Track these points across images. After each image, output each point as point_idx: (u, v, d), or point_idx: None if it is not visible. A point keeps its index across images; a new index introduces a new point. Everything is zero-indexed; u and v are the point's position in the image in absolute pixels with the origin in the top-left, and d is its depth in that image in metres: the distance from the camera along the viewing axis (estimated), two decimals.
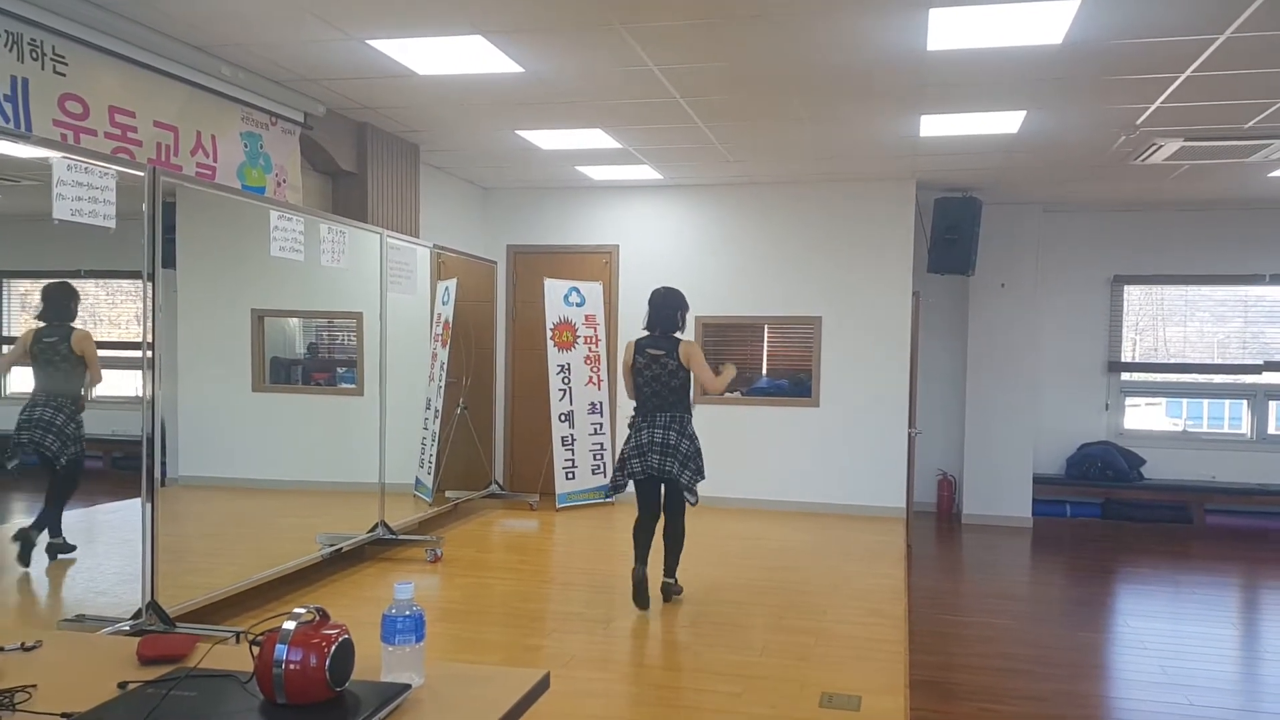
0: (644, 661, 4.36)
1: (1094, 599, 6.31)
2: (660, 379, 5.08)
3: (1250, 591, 6.58)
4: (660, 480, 5.10)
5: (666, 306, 5.15)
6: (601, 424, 8.22)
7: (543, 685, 1.90)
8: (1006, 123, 5.84)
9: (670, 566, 5.25)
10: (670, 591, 5.25)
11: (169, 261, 4.24)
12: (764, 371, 8.50)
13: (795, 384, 8.30)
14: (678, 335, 5.18)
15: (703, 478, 5.16)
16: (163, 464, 4.20)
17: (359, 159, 6.31)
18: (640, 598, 5.08)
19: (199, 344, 4.71)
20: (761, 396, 8.27)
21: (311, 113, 5.72)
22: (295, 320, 5.82)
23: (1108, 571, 7.07)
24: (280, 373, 5.63)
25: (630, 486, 5.22)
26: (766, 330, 8.46)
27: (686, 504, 5.17)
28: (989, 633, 5.43)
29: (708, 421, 7.75)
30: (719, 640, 4.65)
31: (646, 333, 5.21)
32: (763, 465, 8.15)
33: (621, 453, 5.18)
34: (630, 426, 5.20)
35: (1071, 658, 4.98)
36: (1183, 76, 4.78)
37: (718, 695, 3.93)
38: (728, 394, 7.98)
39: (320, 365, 6.13)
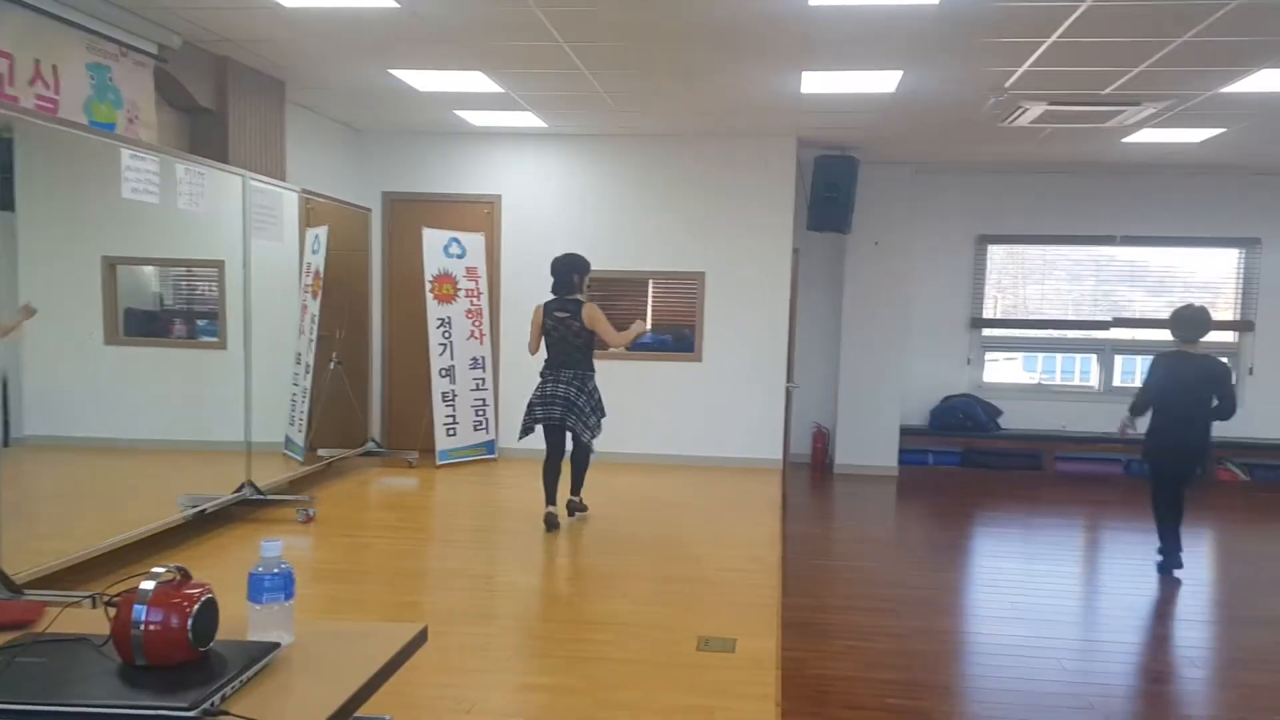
0: (527, 615, 4.35)
1: (952, 542, 6.64)
2: (566, 339, 5.69)
3: (1093, 532, 7.06)
4: (561, 429, 5.76)
5: (564, 270, 5.74)
6: (484, 379, 8.11)
7: (420, 639, 1.87)
8: (884, 82, 5.94)
9: (575, 486, 5.99)
10: (575, 508, 5.98)
11: (7, 203, 3.92)
12: (649, 327, 8.53)
13: (679, 339, 8.37)
14: (579, 298, 5.74)
15: (600, 432, 5.86)
16: (5, 423, 3.92)
17: (219, 95, 5.95)
18: (551, 528, 5.76)
19: (44, 294, 4.37)
20: (646, 352, 8.30)
21: (166, 44, 5.35)
22: (152, 268, 5.47)
23: (965, 516, 7.45)
24: (136, 324, 5.30)
25: (538, 430, 5.83)
26: (651, 285, 8.48)
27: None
28: (856, 575, 5.66)
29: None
30: (601, 592, 4.69)
31: (554, 296, 5.78)
32: (647, 420, 8.20)
33: (530, 400, 5.79)
34: (540, 376, 5.82)
35: (931, 596, 5.24)
36: (1049, 41, 4.96)
37: (598, 644, 3.96)
38: (611, 350, 8.01)
39: (179, 316, 5.80)
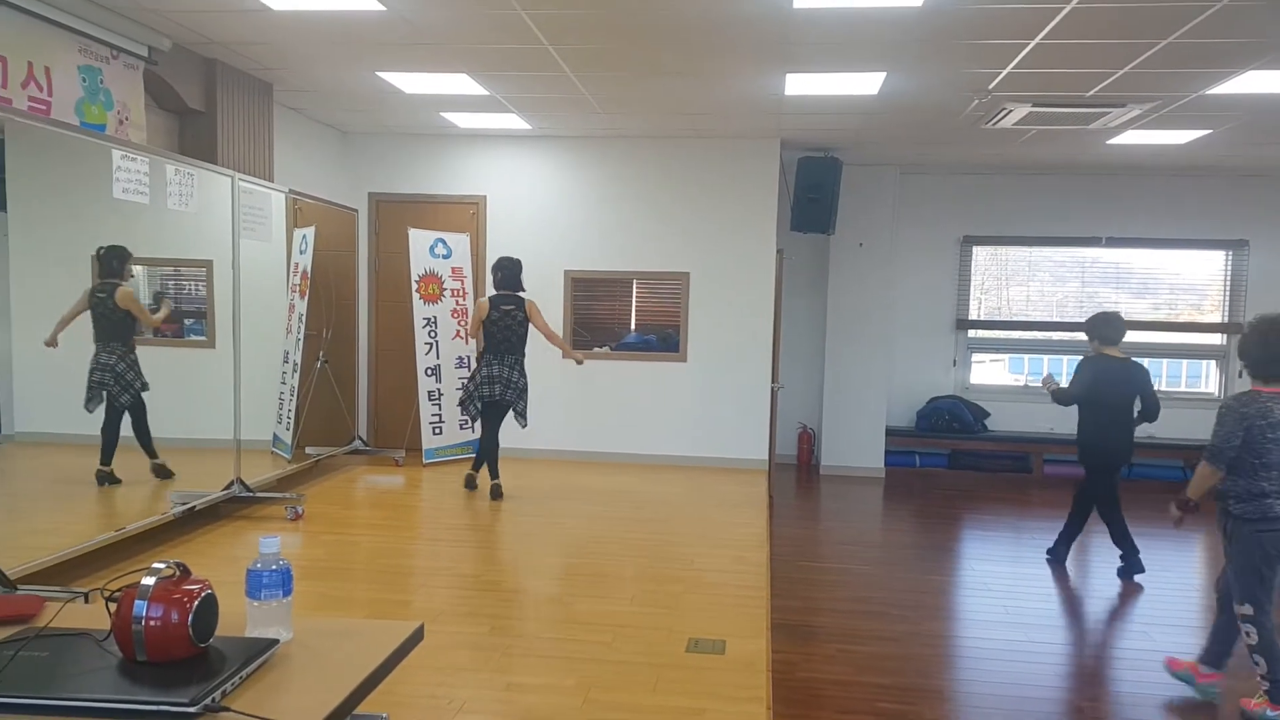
0: (514, 614, 4.36)
1: (942, 544, 6.67)
2: (510, 328, 6.51)
3: (1083, 535, 7.07)
4: (501, 405, 6.57)
5: (514, 271, 6.62)
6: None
7: (417, 637, 1.88)
8: (867, 84, 5.97)
9: (495, 471, 6.71)
10: (499, 492, 6.64)
11: None
12: (633, 327, 8.54)
13: (664, 340, 8.39)
14: (521, 295, 6.61)
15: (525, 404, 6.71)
16: None
17: (208, 97, 5.95)
18: (470, 487, 6.85)
19: (36, 293, 4.36)
20: (630, 352, 8.32)
21: (156, 47, 5.34)
22: (142, 268, 5.46)
23: (954, 518, 7.48)
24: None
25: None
26: (635, 286, 8.50)
27: (518, 424, 6.66)
28: (845, 577, 5.68)
29: (579, 377, 7.79)
30: (589, 591, 4.71)
31: (498, 291, 6.58)
32: (632, 420, 8.22)
33: (470, 385, 6.59)
34: (480, 361, 6.65)
35: (921, 599, 5.26)
36: (1033, 43, 5.01)
37: (588, 644, 3.98)
38: (597, 350, 8.07)
39: (168, 315, 5.78)
